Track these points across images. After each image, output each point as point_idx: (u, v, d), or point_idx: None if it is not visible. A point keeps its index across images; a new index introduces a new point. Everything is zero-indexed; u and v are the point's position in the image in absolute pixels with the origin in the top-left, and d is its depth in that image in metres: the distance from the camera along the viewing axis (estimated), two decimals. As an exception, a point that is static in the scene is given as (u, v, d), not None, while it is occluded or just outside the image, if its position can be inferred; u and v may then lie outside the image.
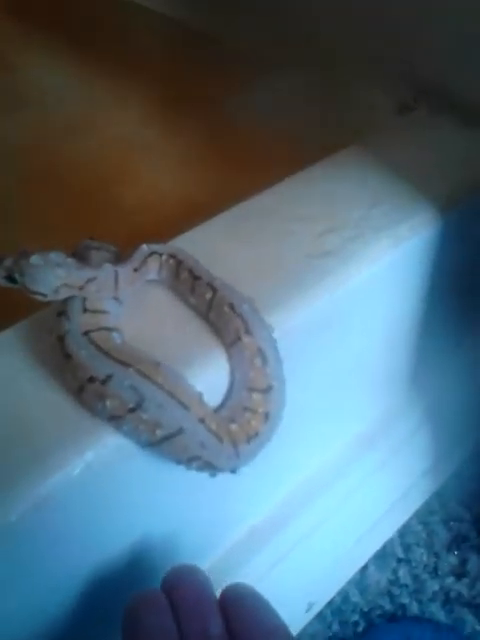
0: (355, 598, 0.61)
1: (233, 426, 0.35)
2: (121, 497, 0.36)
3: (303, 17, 0.66)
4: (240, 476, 0.35)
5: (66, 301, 0.35)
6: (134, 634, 0.32)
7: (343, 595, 0.61)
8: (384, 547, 0.63)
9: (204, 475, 0.35)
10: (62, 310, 0.34)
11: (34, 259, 0.34)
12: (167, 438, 0.32)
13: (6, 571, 0.33)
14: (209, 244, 0.43)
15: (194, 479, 0.35)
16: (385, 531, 0.63)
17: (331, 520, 0.53)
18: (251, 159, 0.73)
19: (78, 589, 0.39)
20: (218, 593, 0.35)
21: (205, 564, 0.45)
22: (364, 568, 0.62)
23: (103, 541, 0.38)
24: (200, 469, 0.34)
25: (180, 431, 0.32)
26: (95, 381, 0.32)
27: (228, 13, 0.74)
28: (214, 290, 0.37)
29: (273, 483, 0.49)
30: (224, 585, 0.36)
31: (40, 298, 0.35)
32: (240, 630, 0.32)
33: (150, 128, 0.85)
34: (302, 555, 0.52)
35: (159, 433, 0.32)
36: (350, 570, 0.60)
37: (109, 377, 0.32)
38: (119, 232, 0.71)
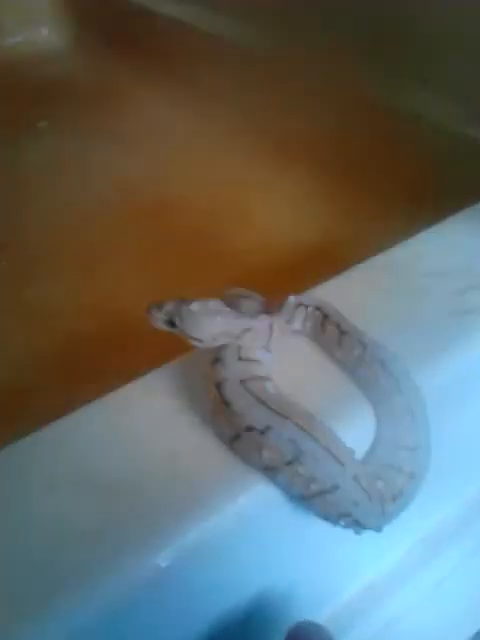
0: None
1: (380, 484, 0.34)
2: (265, 544, 0.37)
3: (426, 65, 0.66)
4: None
5: (221, 348, 0.36)
6: None
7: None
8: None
9: (347, 531, 0.35)
10: (218, 357, 0.35)
11: (194, 306, 0.35)
12: (321, 493, 0.32)
13: (150, 618, 0.34)
14: (344, 296, 0.43)
15: (332, 532, 0.35)
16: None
17: (452, 578, 0.52)
18: (366, 204, 0.74)
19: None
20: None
21: (320, 619, 0.44)
22: (478, 635, 0.59)
23: (235, 589, 0.38)
24: (347, 526, 0.34)
25: (334, 487, 0.32)
26: (253, 431, 0.32)
27: (339, 52, 0.75)
28: (364, 346, 0.37)
29: (396, 538, 0.48)
30: None
31: (197, 344, 0.36)
32: None
33: (262, 169, 0.86)
34: (419, 614, 0.51)
35: (314, 487, 0.32)
36: (471, 630, 0.58)
37: (268, 428, 0.32)
38: (232, 272, 0.73)
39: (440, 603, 0.51)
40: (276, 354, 0.39)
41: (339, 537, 0.35)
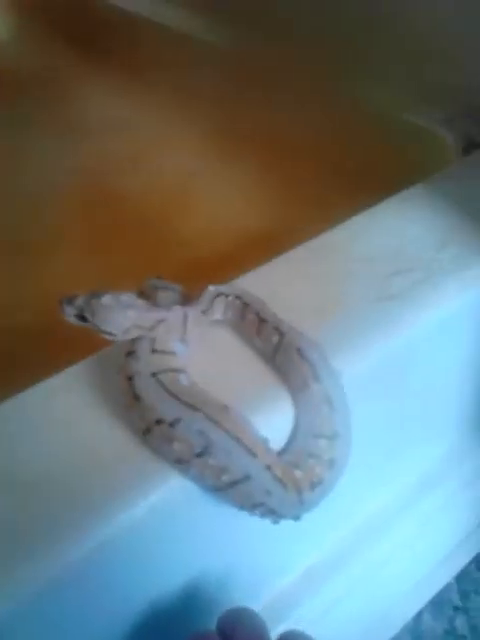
0: (409, 646, 0.59)
1: (297, 473, 0.34)
2: (182, 538, 0.36)
3: (367, 49, 0.66)
4: (303, 520, 0.35)
5: (135, 341, 0.35)
6: None
7: (397, 643, 0.59)
8: (440, 594, 0.61)
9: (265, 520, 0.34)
10: (131, 350, 0.35)
11: (106, 299, 0.35)
12: (233, 484, 0.32)
13: (66, 610, 0.34)
14: (275, 283, 0.43)
15: (254, 522, 0.34)
16: (442, 577, 0.61)
17: (386, 566, 0.52)
18: (311, 190, 0.73)
19: (134, 627, 0.38)
20: (273, 637, 0.35)
21: (258, 605, 0.44)
22: (419, 615, 0.60)
23: (160, 580, 0.38)
24: (263, 516, 0.33)
25: (246, 478, 0.32)
26: (163, 423, 0.32)
27: (287, 44, 0.74)
28: (281, 334, 0.36)
29: (330, 526, 0.48)
30: (277, 628, 0.35)
31: (109, 337, 0.35)
32: None
33: (207, 159, 0.86)
34: (354, 602, 0.51)
35: (225, 479, 0.32)
36: (405, 617, 0.59)
37: (177, 420, 0.32)
38: (178, 261, 0.73)
39: (377, 588, 0.52)
40: (196, 345, 0.38)
41: (265, 527, 0.35)
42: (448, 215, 0.47)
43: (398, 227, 0.47)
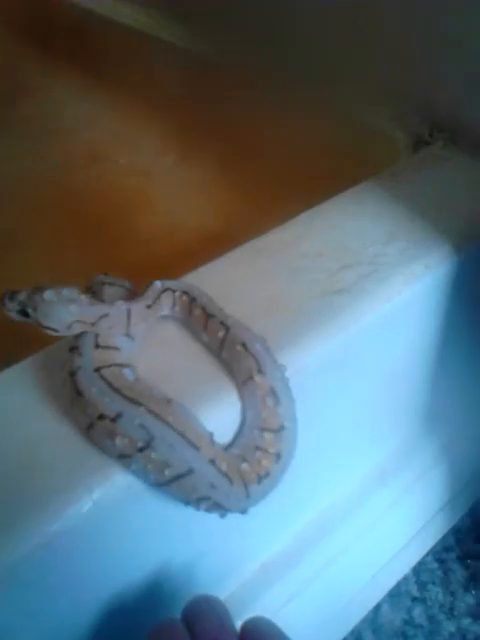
0: (368, 638, 0.60)
1: (244, 466, 0.34)
2: (130, 534, 0.36)
3: (318, 48, 0.66)
4: (251, 514, 0.35)
5: (78, 337, 0.35)
6: None
7: (356, 635, 0.59)
8: (398, 585, 0.62)
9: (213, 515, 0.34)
10: (74, 346, 0.34)
11: (47, 294, 0.34)
12: (176, 478, 0.32)
13: (16, 612, 0.33)
14: (224, 279, 0.43)
15: (203, 517, 0.34)
16: (400, 569, 0.62)
17: (344, 557, 0.52)
18: (266, 188, 0.74)
19: (93, 624, 0.38)
20: (238, 621, 0.35)
21: (221, 597, 0.44)
22: (378, 607, 0.61)
23: (115, 576, 0.38)
24: (209, 510, 0.33)
25: (190, 471, 0.32)
26: (105, 419, 0.32)
27: (243, 43, 0.75)
28: (227, 328, 0.37)
29: (285, 519, 0.48)
30: (241, 619, 0.35)
31: (52, 333, 0.35)
32: None
33: (166, 158, 0.86)
34: (314, 593, 0.51)
35: (168, 473, 0.32)
36: (363, 609, 0.59)
37: (119, 415, 0.31)
38: (135, 260, 0.72)
39: (335, 580, 0.52)
40: (143, 340, 0.38)
41: (216, 521, 0.35)
42: (395, 210, 0.48)
43: (346, 223, 0.48)
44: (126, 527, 0.35)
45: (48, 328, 0.34)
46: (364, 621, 0.60)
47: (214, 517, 0.35)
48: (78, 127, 0.94)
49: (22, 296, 0.34)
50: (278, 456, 0.35)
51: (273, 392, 0.35)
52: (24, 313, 0.34)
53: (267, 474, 0.35)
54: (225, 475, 0.33)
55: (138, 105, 0.91)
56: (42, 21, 1.05)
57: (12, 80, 1.02)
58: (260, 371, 0.35)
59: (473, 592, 0.63)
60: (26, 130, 0.95)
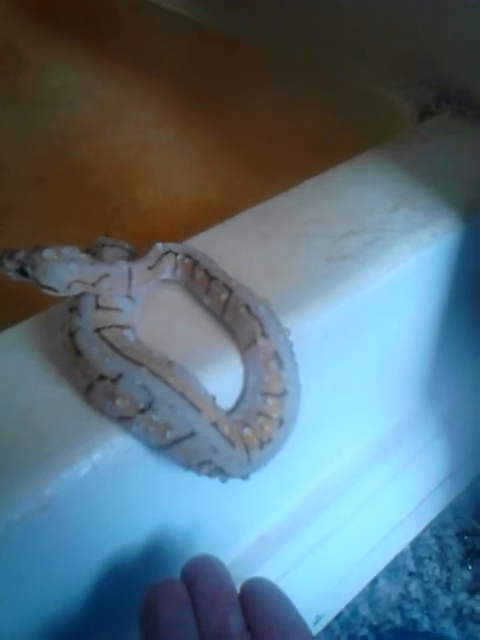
0: (365, 612, 0.60)
1: (246, 431, 0.34)
2: (129, 498, 0.36)
3: (323, 18, 0.65)
4: (250, 482, 0.35)
5: (78, 297, 0.34)
6: (152, 627, 0.31)
7: (352, 608, 0.59)
8: (396, 560, 0.62)
9: (214, 480, 0.34)
10: (74, 306, 0.34)
11: (47, 253, 0.33)
12: (177, 441, 0.31)
13: (16, 570, 0.33)
14: (225, 245, 0.42)
15: (203, 483, 0.34)
16: (397, 544, 0.61)
17: (342, 531, 0.52)
18: (268, 161, 0.73)
19: (89, 586, 0.38)
20: (238, 586, 0.34)
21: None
22: (374, 581, 0.61)
23: (112, 539, 0.37)
24: (210, 474, 0.33)
25: (191, 434, 0.31)
26: (105, 379, 0.31)
27: (245, 13, 0.74)
28: (230, 291, 0.36)
29: (284, 490, 0.48)
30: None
31: (51, 293, 0.34)
32: (260, 626, 0.32)
33: (167, 129, 0.85)
34: (311, 565, 0.51)
35: (169, 435, 0.31)
36: (360, 583, 0.59)
37: (120, 376, 0.31)
38: (134, 232, 0.72)
39: (332, 554, 0.52)
40: (144, 301, 0.37)
41: (215, 488, 0.34)
42: (401, 178, 0.47)
43: (351, 190, 0.47)
44: (125, 491, 0.34)
45: (47, 288, 0.33)
46: (361, 595, 0.60)
47: (215, 483, 0.34)
48: (77, 99, 0.93)
49: (21, 255, 0.33)
50: (281, 421, 0.35)
51: (277, 356, 0.34)
52: (23, 272, 0.33)
53: (269, 440, 0.34)
54: (227, 439, 0.32)
55: (138, 77, 0.90)
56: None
57: (10, 52, 1.00)
58: (264, 334, 0.34)
59: (469, 568, 0.63)
60: (25, 102, 0.94)
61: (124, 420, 0.31)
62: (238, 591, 0.34)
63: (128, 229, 0.71)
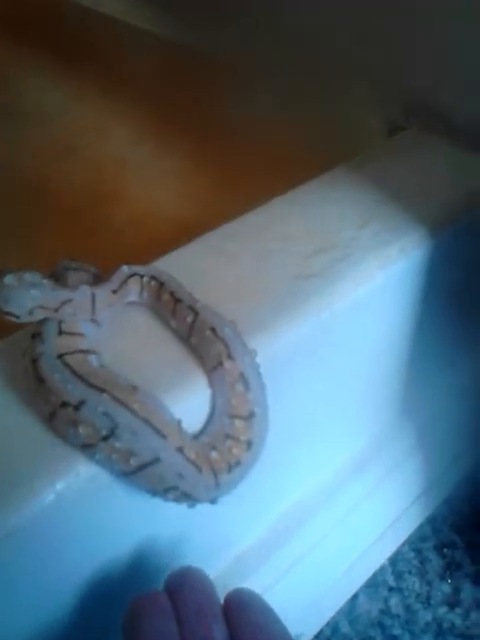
0: (345, 629, 0.59)
1: (213, 454, 0.33)
2: (98, 523, 0.35)
3: (290, 34, 0.65)
4: (222, 504, 0.34)
5: (41, 323, 0.34)
6: (135, 638, 0.31)
7: (332, 626, 0.59)
8: (375, 575, 0.61)
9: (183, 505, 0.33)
10: (36, 332, 0.33)
11: (8, 279, 0.33)
12: (142, 467, 0.31)
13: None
14: (194, 264, 0.42)
15: (173, 507, 0.33)
16: (376, 559, 0.61)
17: (319, 548, 0.52)
18: (242, 177, 0.73)
19: (73, 600, 0.37)
20: (222, 597, 0.34)
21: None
22: (354, 597, 0.60)
23: (90, 557, 0.37)
24: (177, 500, 0.32)
25: (156, 460, 0.31)
26: (68, 406, 0.31)
27: (217, 29, 0.74)
28: (196, 313, 0.36)
29: (258, 510, 0.48)
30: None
31: (13, 319, 0.33)
32: (244, 636, 0.31)
33: (142, 146, 0.85)
34: (289, 584, 0.51)
35: (133, 462, 0.31)
36: (340, 600, 0.59)
37: (82, 402, 0.30)
38: (110, 249, 0.71)
39: (311, 571, 0.51)
40: (109, 325, 0.37)
41: (186, 512, 0.34)
42: (370, 194, 0.47)
43: (319, 207, 0.47)
44: (93, 517, 0.34)
45: (8, 314, 0.33)
46: (340, 612, 0.60)
47: (183, 508, 0.34)
48: (52, 116, 0.93)
49: (-19, 281, 0.33)
50: (249, 444, 0.34)
51: (243, 378, 0.34)
52: (-17, 299, 0.33)
53: (238, 463, 0.34)
54: (193, 464, 0.32)
55: (114, 94, 0.90)
56: (17, 7, 1.03)
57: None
58: (230, 356, 0.34)
59: (449, 581, 0.63)
60: (2, 118, 0.93)
61: (87, 448, 0.31)
62: (222, 602, 0.33)
63: (103, 247, 0.70)
